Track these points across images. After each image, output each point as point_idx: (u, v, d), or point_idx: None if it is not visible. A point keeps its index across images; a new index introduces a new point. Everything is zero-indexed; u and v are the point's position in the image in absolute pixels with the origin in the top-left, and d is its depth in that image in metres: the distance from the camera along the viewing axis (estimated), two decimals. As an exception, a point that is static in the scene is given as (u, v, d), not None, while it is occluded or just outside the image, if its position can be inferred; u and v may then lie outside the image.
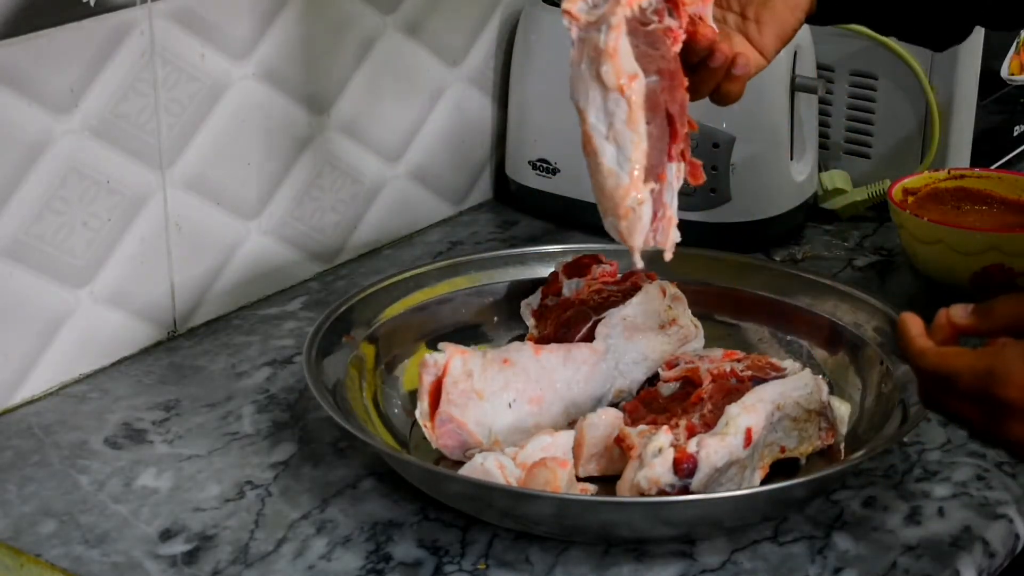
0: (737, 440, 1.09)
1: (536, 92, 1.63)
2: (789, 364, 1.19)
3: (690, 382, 1.18)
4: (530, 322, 1.32)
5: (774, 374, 1.17)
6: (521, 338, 1.30)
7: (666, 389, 1.20)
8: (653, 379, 1.24)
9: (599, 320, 1.25)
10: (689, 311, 1.29)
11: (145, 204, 1.34)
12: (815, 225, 1.63)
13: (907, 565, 1.09)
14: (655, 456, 1.08)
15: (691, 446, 1.08)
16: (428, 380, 1.17)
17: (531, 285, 1.35)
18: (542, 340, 1.25)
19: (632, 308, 1.25)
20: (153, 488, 1.17)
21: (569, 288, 1.31)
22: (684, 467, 1.07)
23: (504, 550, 1.10)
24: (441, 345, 1.20)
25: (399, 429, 1.22)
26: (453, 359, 1.17)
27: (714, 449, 1.08)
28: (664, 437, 1.09)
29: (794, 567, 1.08)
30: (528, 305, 1.33)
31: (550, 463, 1.09)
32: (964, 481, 1.19)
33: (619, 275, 1.32)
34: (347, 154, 1.52)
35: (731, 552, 1.10)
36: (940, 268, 1.47)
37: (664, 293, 1.27)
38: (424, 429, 1.17)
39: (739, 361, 1.19)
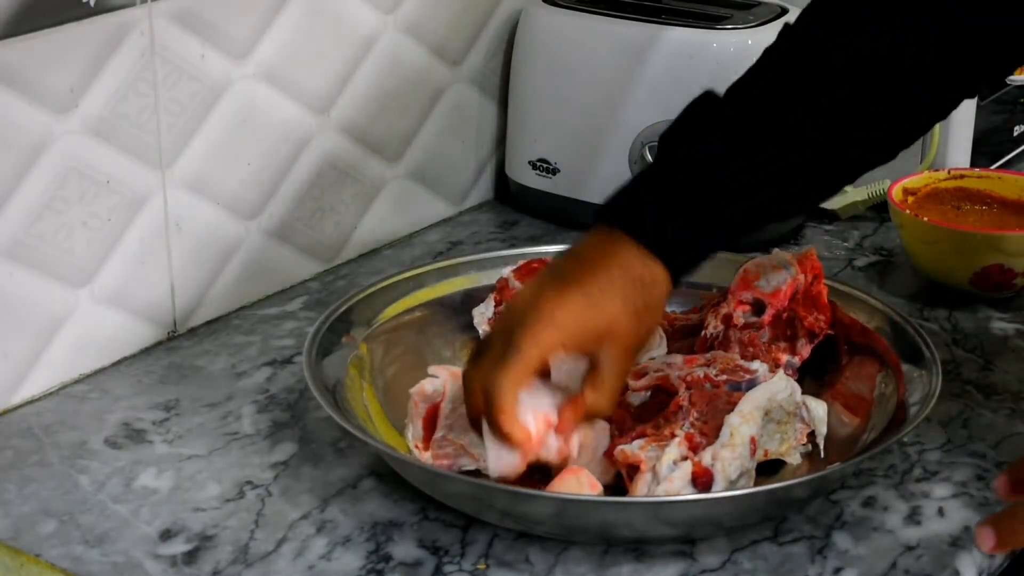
0: (746, 451, 1.09)
1: (536, 92, 1.63)
2: (757, 365, 1.19)
3: (663, 390, 1.18)
4: (485, 330, 1.29)
5: (748, 377, 1.17)
6: None
7: (636, 398, 1.19)
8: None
9: None
10: None
11: (145, 204, 1.34)
12: (815, 225, 1.63)
13: (907, 565, 1.09)
14: (672, 470, 1.08)
15: (706, 459, 1.08)
16: (424, 407, 1.15)
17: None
18: None
19: None
20: (153, 488, 1.17)
21: None
22: (702, 481, 1.07)
23: (504, 550, 1.10)
24: (431, 369, 1.17)
25: (399, 429, 1.22)
26: (449, 384, 1.15)
27: (728, 462, 1.08)
28: (676, 450, 1.09)
29: (794, 567, 1.08)
30: (481, 314, 1.31)
31: (582, 478, 1.09)
32: (964, 481, 1.19)
33: None
34: (347, 154, 1.52)
35: (731, 552, 1.10)
36: (940, 268, 1.47)
37: None
38: (415, 451, 1.16)
39: (708, 366, 1.19)
